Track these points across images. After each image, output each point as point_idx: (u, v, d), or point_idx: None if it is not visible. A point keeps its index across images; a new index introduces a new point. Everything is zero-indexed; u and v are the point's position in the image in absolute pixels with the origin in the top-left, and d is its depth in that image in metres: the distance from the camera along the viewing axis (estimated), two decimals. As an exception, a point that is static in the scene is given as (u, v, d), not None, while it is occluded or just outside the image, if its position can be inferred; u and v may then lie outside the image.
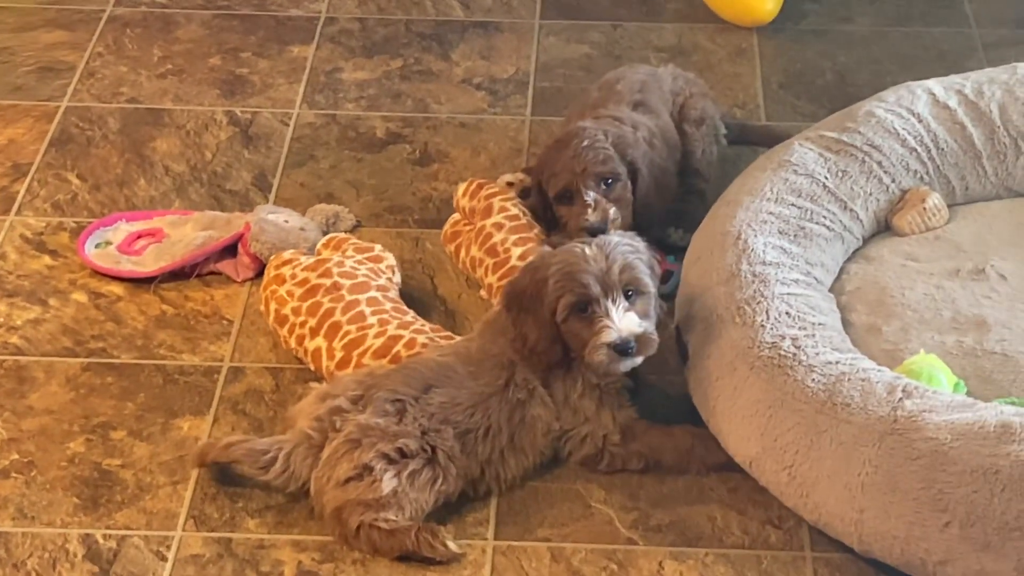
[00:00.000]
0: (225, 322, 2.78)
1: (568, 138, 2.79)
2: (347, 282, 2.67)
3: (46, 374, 2.67)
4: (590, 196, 2.74)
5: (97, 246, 2.92)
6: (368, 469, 2.34)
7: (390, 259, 2.76)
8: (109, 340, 2.74)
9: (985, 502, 2.20)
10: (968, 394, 2.43)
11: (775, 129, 3.17)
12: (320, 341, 2.61)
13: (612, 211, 2.74)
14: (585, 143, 2.76)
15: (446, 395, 2.41)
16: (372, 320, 2.61)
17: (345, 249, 2.76)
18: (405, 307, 2.68)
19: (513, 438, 2.43)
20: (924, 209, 2.78)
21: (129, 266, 2.87)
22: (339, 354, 2.59)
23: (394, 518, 2.33)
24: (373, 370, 2.48)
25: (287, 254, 2.75)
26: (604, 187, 2.76)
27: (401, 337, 2.58)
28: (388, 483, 2.33)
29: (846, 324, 2.58)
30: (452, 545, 2.33)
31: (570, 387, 2.46)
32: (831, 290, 2.66)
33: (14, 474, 2.49)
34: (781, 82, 3.39)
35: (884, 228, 2.80)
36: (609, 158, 2.76)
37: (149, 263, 2.87)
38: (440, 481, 2.37)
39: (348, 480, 2.34)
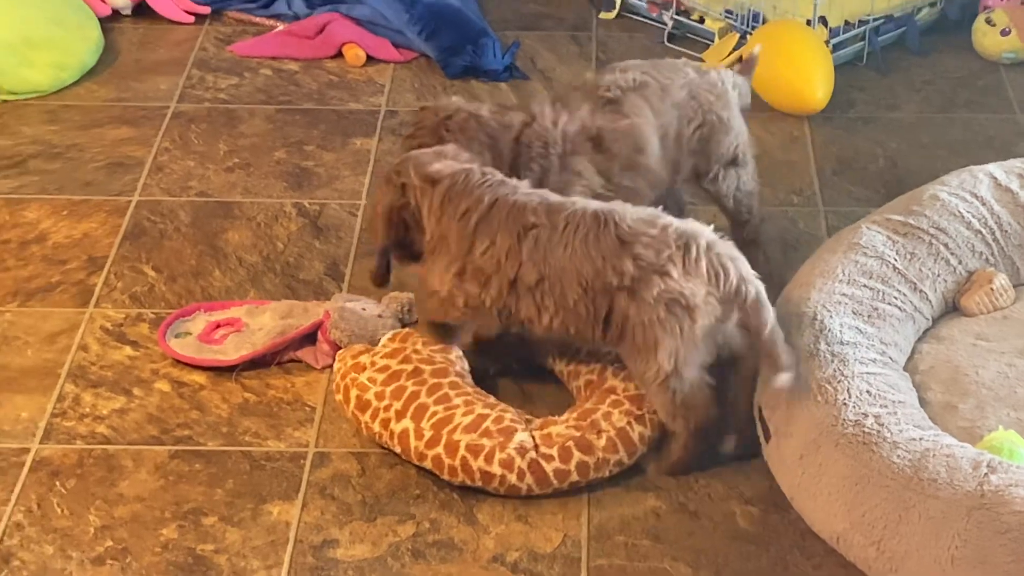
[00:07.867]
0: (308, 408, 2.83)
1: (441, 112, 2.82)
2: (428, 367, 2.72)
3: (134, 462, 2.72)
4: None
5: (177, 336, 2.97)
6: None
7: (459, 349, 2.81)
8: (195, 428, 2.79)
9: (1075, 574, 2.24)
10: (1048, 469, 2.48)
11: None
12: (407, 423, 2.66)
13: None
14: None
15: None
16: (457, 401, 2.66)
17: (415, 341, 2.80)
18: (484, 391, 2.74)
19: None
20: (991, 290, 2.84)
21: (210, 355, 2.92)
22: (428, 433, 2.63)
23: None
24: None
25: (357, 346, 2.80)
26: None
27: (489, 415, 2.64)
28: None
29: (922, 402, 2.63)
30: None
31: None
32: (905, 369, 2.71)
33: (109, 561, 2.52)
34: (835, 168, 3.46)
35: (952, 309, 2.86)
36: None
37: (230, 352, 2.92)
38: None
39: None
